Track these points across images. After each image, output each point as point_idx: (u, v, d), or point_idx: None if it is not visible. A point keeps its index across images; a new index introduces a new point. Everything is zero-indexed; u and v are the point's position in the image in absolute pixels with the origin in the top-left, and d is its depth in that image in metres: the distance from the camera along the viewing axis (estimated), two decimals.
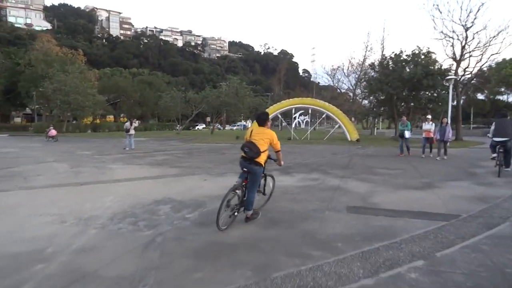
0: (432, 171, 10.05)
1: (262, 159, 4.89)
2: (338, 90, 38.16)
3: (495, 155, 9.69)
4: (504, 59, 31.45)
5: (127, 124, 17.54)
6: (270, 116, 21.77)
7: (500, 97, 39.23)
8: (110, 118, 61.70)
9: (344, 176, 9.15)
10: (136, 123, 18.23)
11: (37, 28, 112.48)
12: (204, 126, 71.08)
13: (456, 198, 6.59)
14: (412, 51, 22.08)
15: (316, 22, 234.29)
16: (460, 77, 21.67)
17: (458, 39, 21.62)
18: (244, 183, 4.91)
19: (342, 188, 7.62)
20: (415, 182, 8.32)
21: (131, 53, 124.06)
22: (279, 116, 24.99)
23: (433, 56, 21.99)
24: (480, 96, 39.36)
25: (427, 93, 22.28)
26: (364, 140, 22.96)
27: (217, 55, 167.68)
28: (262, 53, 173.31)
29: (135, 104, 43.37)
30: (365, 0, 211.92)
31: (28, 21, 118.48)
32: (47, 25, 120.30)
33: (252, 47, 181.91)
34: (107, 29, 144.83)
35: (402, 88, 21.75)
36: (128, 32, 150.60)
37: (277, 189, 6.69)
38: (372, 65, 24.51)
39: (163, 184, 8.23)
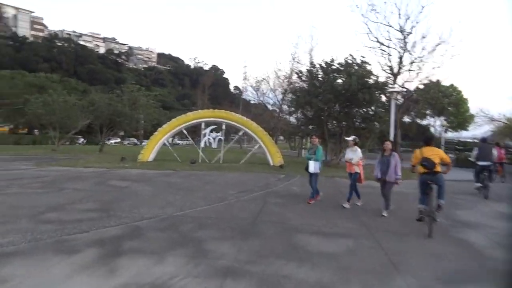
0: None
1: (439, 169, 6.10)
2: (263, 105, 33.89)
3: (479, 185, 10.13)
4: (430, 81, 30.09)
5: None
6: (174, 131, 16.18)
7: (425, 122, 38.66)
8: (3, 128, 50.78)
9: (234, 271, 4.03)
10: None
11: None
12: (118, 140, 63.06)
13: None
14: (345, 59, 18.44)
15: (247, 38, 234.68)
16: (398, 92, 18.43)
17: (395, 48, 18.59)
18: (427, 193, 6.11)
19: None
20: None
21: (41, 56, 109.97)
22: (184, 131, 19.50)
23: (368, 67, 18.59)
24: (406, 119, 38.30)
25: (361, 110, 18.68)
26: (289, 164, 18.44)
27: (144, 66, 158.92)
28: (192, 67, 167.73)
29: (16, 111, 34.27)
30: (293, 8, 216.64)
31: None
32: None
33: (182, 60, 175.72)
34: (14, 28, 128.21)
35: (334, 102, 17.86)
36: (41, 34, 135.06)
37: None
38: (299, 73, 20.44)
39: None
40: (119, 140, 63.83)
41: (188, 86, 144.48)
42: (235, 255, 4.59)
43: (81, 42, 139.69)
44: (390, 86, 17.88)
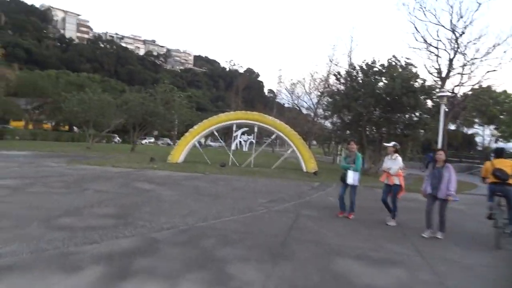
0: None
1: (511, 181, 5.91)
2: (298, 108, 32.76)
3: None
4: (481, 87, 27.80)
5: None
6: (204, 132, 15.71)
7: (471, 130, 35.77)
8: (47, 125, 53.13)
9: None
10: None
11: None
12: (152, 140, 64.29)
13: None
14: (388, 60, 17.15)
15: (284, 42, 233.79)
16: (448, 97, 16.84)
17: (445, 49, 17.05)
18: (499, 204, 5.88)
19: None
20: None
21: (85, 56, 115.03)
22: (215, 133, 18.98)
23: (413, 69, 17.17)
24: (450, 126, 35.79)
25: (404, 116, 17.28)
26: (323, 171, 17.42)
27: (181, 67, 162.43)
28: (227, 70, 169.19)
29: (57, 108, 35.43)
30: (333, 8, 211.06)
31: None
32: None
33: (218, 63, 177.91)
34: (62, 30, 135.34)
35: (374, 107, 16.65)
36: (86, 36, 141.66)
37: None
38: (337, 75, 19.29)
39: None
40: (153, 140, 64.99)
41: (223, 88, 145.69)
42: (263, 284, 3.79)
43: (123, 44, 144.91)
44: (438, 90, 16.40)
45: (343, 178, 7.33)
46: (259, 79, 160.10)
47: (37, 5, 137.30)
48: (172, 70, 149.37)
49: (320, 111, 30.34)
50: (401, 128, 16.77)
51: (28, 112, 40.49)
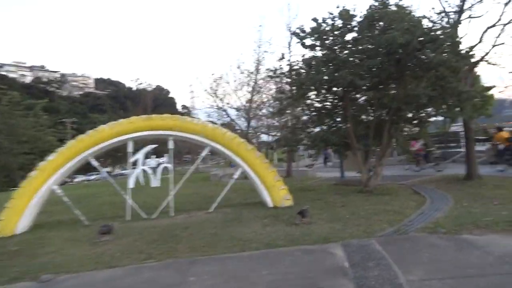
0: None
1: None
2: (224, 113, 24.62)
3: None
4: None
5: None
6: (71, 164, 7.09)
7: None
8: None
9: None
10: None
11: None
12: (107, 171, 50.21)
13: None
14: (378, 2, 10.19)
15: (193, 49, 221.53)
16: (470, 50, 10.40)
17: None
18: None
19: None
20: None
21: None
22: (93, 162, 9.88)
23: (412, 12, 10.51)
24: None
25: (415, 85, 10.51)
26: (301, 199, 9.73)
27: (80, 92, 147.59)
28: (134, 89, 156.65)
29: None
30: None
31: None
32: None
33: (123, 84, 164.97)
34: None
35: (371, 74, 9.64)
36: None
37: None
38: (300, 34, 11.19)
39: None
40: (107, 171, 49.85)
41: (131, 109, 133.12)
42: None
43: (3, 73, 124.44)
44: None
45: None
46: (170, 95, 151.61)
47: None
48: (69, 97, 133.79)
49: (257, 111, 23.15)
50: (424, 103, 9.50)
51: None
